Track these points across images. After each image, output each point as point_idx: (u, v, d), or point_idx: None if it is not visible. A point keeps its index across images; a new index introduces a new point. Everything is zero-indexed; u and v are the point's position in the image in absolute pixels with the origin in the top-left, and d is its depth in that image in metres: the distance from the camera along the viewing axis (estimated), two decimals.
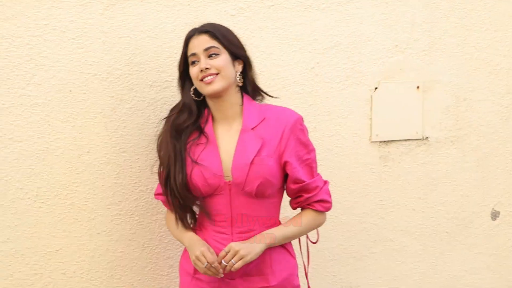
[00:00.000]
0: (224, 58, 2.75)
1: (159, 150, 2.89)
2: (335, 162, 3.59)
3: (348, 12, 3.51)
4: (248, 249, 2.71)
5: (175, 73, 3.01)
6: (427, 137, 3.74)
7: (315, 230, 2.99)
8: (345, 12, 3.51)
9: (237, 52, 2.80)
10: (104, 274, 3.23)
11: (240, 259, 2.68)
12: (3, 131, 3.00)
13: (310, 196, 2.87)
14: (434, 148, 3.76)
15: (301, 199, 2.88)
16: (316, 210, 2.90)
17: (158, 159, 2.90)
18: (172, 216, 2.93)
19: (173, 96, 3.01)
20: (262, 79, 3.07)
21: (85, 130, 3.13)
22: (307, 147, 2.87)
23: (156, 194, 2.98)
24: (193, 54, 2.75)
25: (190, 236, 2.83)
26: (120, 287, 3.26)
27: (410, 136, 3.70)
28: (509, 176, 3.95)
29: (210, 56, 2.74)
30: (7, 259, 3.07)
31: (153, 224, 3.23)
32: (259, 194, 2.79)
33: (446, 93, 3.75)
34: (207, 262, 2.68)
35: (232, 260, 2.68)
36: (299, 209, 2.99)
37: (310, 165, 2.89)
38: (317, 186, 2.88)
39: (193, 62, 2.77)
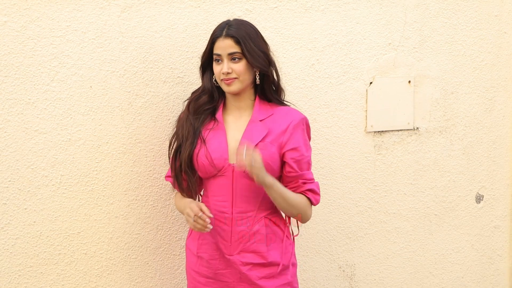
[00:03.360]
0: (244, 64, 2.75)
1: (177, 126, 2.90)
2: (333, 151, 3.59)
3: (345, 13, 3.50)
4: (262, 168, 2.66)
5: (186, 70, 3.04)
6: (417, 128, 3.74)
7: (296, 224, 2.96)
8: (343, 12, 3.49)
9: (257, 63, 2.76)
10: (122, 254, 3.21)
11: (256, 165, 2.61)
12: (29, 124, 2.98)
13: (304, 183, 2.84)
14: (424, 138, 3.76)
15: (297, 184, 2.84)
16: (309, 199, 2.86)
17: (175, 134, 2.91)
18: (178, 196, 2.96)
19: (185, 91, 3.01)
20: None
21: (104, 123, 3.10)
22: (306, 145, 2.87)
23: (167, 176, 2.99)
24: (218, 55, 2.75)
25: (187, 202, 2.79)
26: (136, 266, 3.24)
27: (402, 127, 3.69)
28: (492, 163, 3.94)
29: (233, 59, 2.74)
30: (34, 240, 3.06)
31: (167, 208, 3.23)
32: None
33: (435, 87, 3.75)
34: (195, 216, 2.67)
35: (246, 158, 2.60)
36: None
37: (308, 162, 2.87)
38: (311, 178, 2.87)
39: (217, 60, 2.77)
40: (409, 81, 3.68)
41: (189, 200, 2.82)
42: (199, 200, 2.89)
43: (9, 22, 2.93)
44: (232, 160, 2.77)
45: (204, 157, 2.78)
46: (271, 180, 2.73)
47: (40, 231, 3.09)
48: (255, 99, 2.88)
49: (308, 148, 2.87)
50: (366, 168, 3.68)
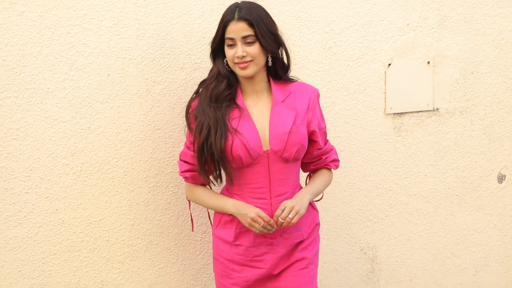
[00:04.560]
0: (258, 46, 2.73)
1: (193, 117, 2.83)
2: (353, 133, 3.59)
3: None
4: (299, 204, 2.74)
5: (203, 56, 3.03)
6: (437, 109, 3.71)
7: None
8: None
9: (269, 46, 2.76)
10: (144, 240, 3.23)
11: (296, 214, 2.71)
12: (49, 113, 2.99)
13: (327, 157, 2.98)
14: (444, 118, 3.73)
15: (320, 161, 2.97)
16: (329, 169, 3.01)
17: (189, 127, 2.86)
18: (200, 190, 2.92)
19: (202, 76, 2.98)
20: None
21: (122, 110, 3.11)
22: (322, 117, 2.95)
23: (183, 171, 2.92)
24: (231, 39, 2.72)
25: (234, 203, 2.82)
26: (158, 251, 3.26)
27: (422, 108, 3.67)
28: None
29: (246, 43, 2.72)
30: (56, 228, 3.08)
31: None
32: (295, 159, 2.83)
33: (454, 67, 3.72)
34: (264, 222, 2.70)
35: (290, 216, 2.70)
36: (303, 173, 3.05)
37: (325, 133, 2.98)
38: (331, 149, 3.01)
39: (230, 45, 2.74)
40: (428, 62, 3.66)
41: (243, 202, 2.81)
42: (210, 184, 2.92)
43: (26, 12, 2.92)
44: (265, 146, 2.79)
45: (240, 148, 2.75)
46: (308, 199, 2.85)
47: (62, 219, 3.11)
48: (268, 81, 2.88)
49: (323, 119, 2.98)
50: (386, 150, 3.67)
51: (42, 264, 3.12)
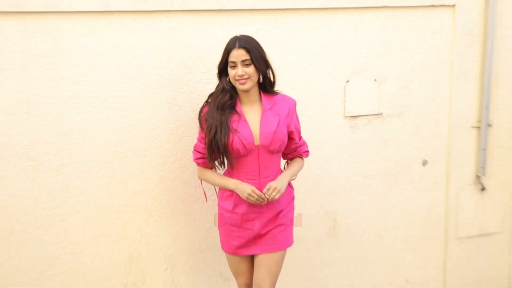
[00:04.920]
0: (253, 68, 2.71)
1: (204, 120, 2.81)
2: (321, 130, 3.57)
3: (328, 30, 3.47)
4: (281, 184, 2.78)
5: (213, 74, 3.01)
6: (381, 113, 3.64)
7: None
8: (327, 30, 3.47)
9: (261, 68, 2.75)
10: (170, 206, 3.29)
11: (278, 192, 2.76)
12: (103, 114, 3.09)
13: (300, 149, 2.98)
14: (386, 120, 3.68)
15: (295, 152, 2.97)
16: (302, 157, 3.01)
17: (201, 126, 2.84)
18: (209, 172, 2.92)
19: (213, 89, 2.97)
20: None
21: (155, 112, 3.18)
22: (298, 120, 2.95)
23: (197, 158, 2.90)
24: (233, 62, 2.70)
25: (235, 182, 2.81)
26: (181, 214, 3.32)
27: (370, 112, 3.65)
28: (434, 138, 3.84)
29: (245, 65, 2.70)
30: (108, 197, 3.17)
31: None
32: (278, 151, 2.84)
33: (393, 84, 3.64)
34: (257, 196, 2.73)
35: (273, 193, 2.74)
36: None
37: (300, 131, 2.98)
38: (303, 143, 3.00)
39: (232, 66, 2.71)
40: (375, 79, 3.60)
41: (241, 182, 2.81)
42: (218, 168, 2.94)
43: (82, 37, 3.01)
44: (257, 142, 2.78)
45: (238, 144, 2.73)
46: (287, 180, 2.87)
47: (113, 190, 3.18)
48: (259, 93, 2.84)
49: (299, 122, 2.97)
50: (345, 142, 3.64)
51: (99, 222, 3.17)
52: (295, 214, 3.10)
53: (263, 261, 2.90)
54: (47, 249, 3.05)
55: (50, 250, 3.06)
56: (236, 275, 3.00)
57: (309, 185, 3.59)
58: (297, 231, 3.45)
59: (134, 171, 3.16)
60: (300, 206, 3.48)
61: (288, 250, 3.29)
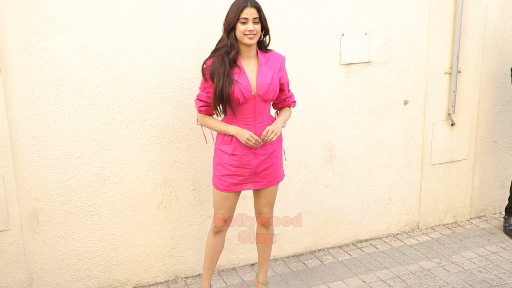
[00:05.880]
0: (259, 26, 2.67)
1: (208, 71, 2.70)
2: (321, 75, 3.57)
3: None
4: (277, 128, 2.77)
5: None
6: (370, 61, 3.70)
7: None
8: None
9: (266, 27, 2.73)
10: (185, 153, 3.30)
11: (276, 134, 2.74)
12: (141, 109, 3.13)
13: (289, 99, 2.92)
14: (374, 67, 3.73)
15: (285, 102, 2.92)
16: (290, 107, 2.95)
17: (204, 77, 2.75)
18: (210, 119, 2.84)
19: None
20: (274, 33, 3.04)
21: (185, 60, 3.16)
22: (287, 74, 2.90)
23: (199, 107, 2.82)
24: (245, 18, 2.63)
25: (235, 127, 2.76)
26: (196, 154, 3.34)
27: (361, 61, 3.66)
28: (413, 82, 3.86)
29: (254, 22, 2.65)
30: (146, 131, 3.21)
31: (206, 136, 3.24)
32: (270, 100, 2.81)
33: (381, 37, 3.70)
34: (254, 140, 2.71)
35: (271, 135, 2.73)
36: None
37: (288, 84, 2.92)
38: (291, 95, 2.94)
39: (243, 22, 2.63)
40: (366, 33, 3.65)
41: (240, 128, 2.74)
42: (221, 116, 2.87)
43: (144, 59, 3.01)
44: (254, 92, 2.73)
45: (238, 93, 2.69)
46: (281, 125, 2.83)
47: (150, 125, 3.20)
48: (256, 51, 2.78)
49: (287, 76, 2.91)
50: (340, 85, 3.67)
51: (139, 150, 3.21)
52: (300, 144, 3.10)
53: (262, 194, 2.94)
54: (99, 172, 3.14)
55: (101, 173, 3.14)
56: (219, 208, 2.90)
57: (311, 121, 3.62)
58: (300, 158, 3.64)
59: (167, 109, 3.19)
60: (303, 138, 3.61)
61: (293, 174, 3.54)
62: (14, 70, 2.85)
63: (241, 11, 2.64)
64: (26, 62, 2.87)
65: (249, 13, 2.64)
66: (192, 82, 3.22)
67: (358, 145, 3.84)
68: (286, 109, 2.96)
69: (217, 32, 3.01)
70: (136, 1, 3.01)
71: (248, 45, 2.71)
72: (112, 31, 3.00)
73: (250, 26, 2.64)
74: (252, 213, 3.32)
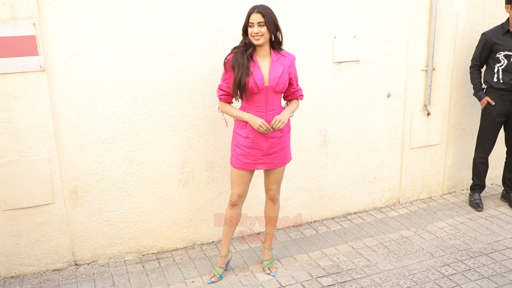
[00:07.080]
0: (265, 28, 2.73)
1: (229, 64, 2.79)
2: (317, 71, 3.64)
3: (323, 2, 3.52)
4: (284, 117, 2.85)
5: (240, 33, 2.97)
6: (358, 60, 3.76)
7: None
8: (322, 2, 3.52)
9: (272, 29, 2.74)
10: (202, 138, 3.35)
11: (283, 123, 2.83)
12: (165, 106, 3.18)
13: (297, 92, 2.99)
14: (362, 65, 3.79)
15: (294, 95, 2.99)
16: (298, 99, 3.01)
17: (225, 69, 2.81)
18: (228, 106, 2.92)
19: (238, 42, 2.96)
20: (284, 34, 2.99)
21: (199, 59, 3.22)
22: (296, 71, 2.96)
23: (220, 95, 2.90)
24: (251, 22, 2.74)
25: (249, 115, 2.83)
26: (215, 136, 3.40)
27: (351, 59, 3.70)
28: (395, 78, 3.90)
29: (260, 25, 2.72)
30: (166, 119, 3.31)
31: (221, 123, 3.38)
32: (281, 92, 2.88)
33: (368, 39, 3.76)
34: (265, 127, 2.79)
35: (279, 124, 2.81)
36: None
37: (297, 79, 2.98)
38: (300, 89, 3.01)
39: (250, 26, 2.75)
40: (354, 36, 3.70)
41: (253, 115, 2.80)
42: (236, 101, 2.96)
43: (154, 8, 3.10)
44: (266, 83, 2.78)
45: (253, 84, 2.76)
46: (288, 115, 2.89)
47: (170, 114, 3.28)
48: (270, 50, 2.85)
49: (296, 72, 2.97)
50: (333, 80, 3.74)
51: (161, 136, 3.28)
52: (298, 132, 3.23)
53: (272, 173, 3.04)
54: (128, 155, 3.26)
55: (129, 156, 3.27)
56: (235, 185, 2.98)
57: (308, 111, 3.71)
58: (299, 143, 3.80)
59: (185, 100, 3.30)
60: (301, 126, 3.73)
61: (293, 156, 3.64)
62: (57, 69, 3.00)
63: (249, 16, 2.79)
64: (66, 62, 3.01)
65: (255, 18, 2.76)
66: (205, 78, 3.33)
67: (348, 131, 3.93)
68: (294, 101, 3.03)
69: (228, 37, 3.18)
70: (157, 11, 3.13)
71: (259, 45, 2.80)
72: (138, 35, 3.13)
73: (255, 29, 2.76)
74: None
